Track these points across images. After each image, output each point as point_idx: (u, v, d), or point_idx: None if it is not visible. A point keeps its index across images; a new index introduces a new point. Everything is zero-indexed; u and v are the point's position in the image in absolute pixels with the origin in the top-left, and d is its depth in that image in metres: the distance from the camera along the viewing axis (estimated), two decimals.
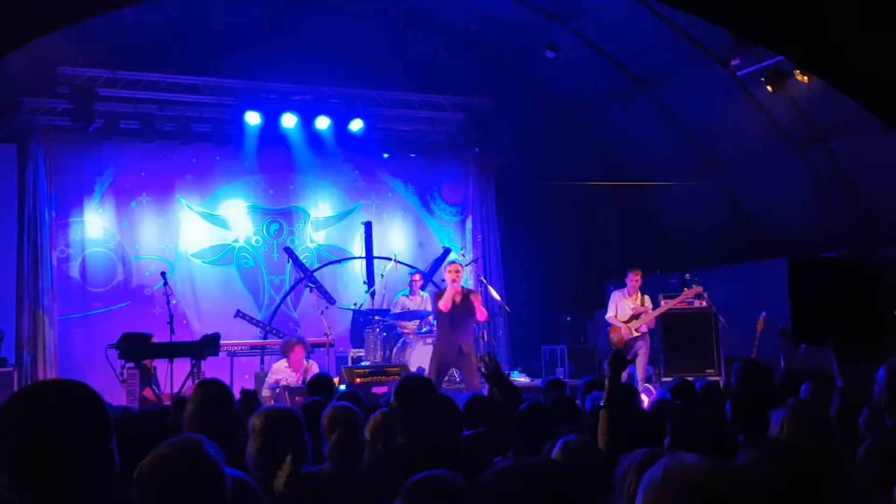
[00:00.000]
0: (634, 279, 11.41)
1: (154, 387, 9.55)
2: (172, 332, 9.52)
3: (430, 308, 11.55)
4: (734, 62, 11.61)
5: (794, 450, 3.21)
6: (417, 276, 12.90)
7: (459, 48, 13.71)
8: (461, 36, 13.59)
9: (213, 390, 4.57)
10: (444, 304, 10.00)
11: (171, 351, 9.36)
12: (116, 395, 9.15)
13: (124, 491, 2.31)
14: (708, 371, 11.56)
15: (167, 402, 8.74)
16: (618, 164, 14.88)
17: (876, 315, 11.97)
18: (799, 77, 11.05)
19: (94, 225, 12.92)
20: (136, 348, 9.06)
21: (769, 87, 11.48)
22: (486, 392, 6.31)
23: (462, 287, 10.30)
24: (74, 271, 12.72)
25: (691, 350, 11.94)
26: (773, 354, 11.05)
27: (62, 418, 2.14)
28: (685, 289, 11.51)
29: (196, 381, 9.39)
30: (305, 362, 10.02)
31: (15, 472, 2.08)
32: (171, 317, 9.55)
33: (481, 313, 10.32)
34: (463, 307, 10.11)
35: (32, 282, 12.03)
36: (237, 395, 8.37)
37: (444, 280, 10.68)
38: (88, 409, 2.21)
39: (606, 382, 4.36)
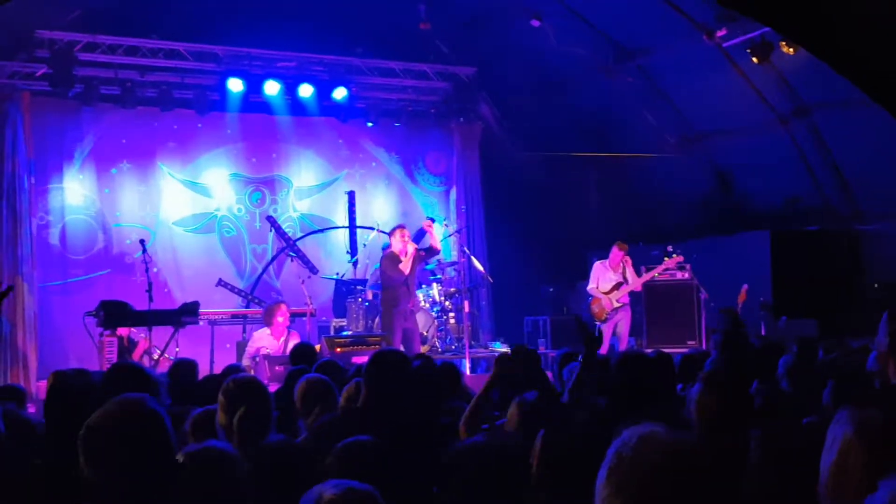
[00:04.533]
0: (617, 252, 11.41)
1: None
2: (151, 300, 9.45)
3: None
4: (720, 33, 11.52)
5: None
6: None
7: (444, 16, 13.57)
8: (446, 4, 13.44)
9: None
10: (406, 266, 10.24)
11: (150, 319, 9.30)
12: (95, 362, 9.10)
13: None
14: (689, 343, 11.61)
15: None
16: (602, 135, 14.82)
17: (857, 288, 12.03)
18: (785, 49, 10.99)
19: (74, 192, 12.78)
20: (115, 316, 9.00)
21: (755, 59, 11.41)
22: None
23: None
24: (54, 238, 12.60)
25: (673, 321, 11.99)
26: (754, 326, 11.10)
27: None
28: (666, 259, 11.55)
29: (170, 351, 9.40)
30: (287, 330, 10.00)
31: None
32: (150, 284, 9.48)
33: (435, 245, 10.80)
34: (414, 269, 10.49)
35: (11, 249, 11.91)
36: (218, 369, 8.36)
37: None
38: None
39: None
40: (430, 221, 10.94)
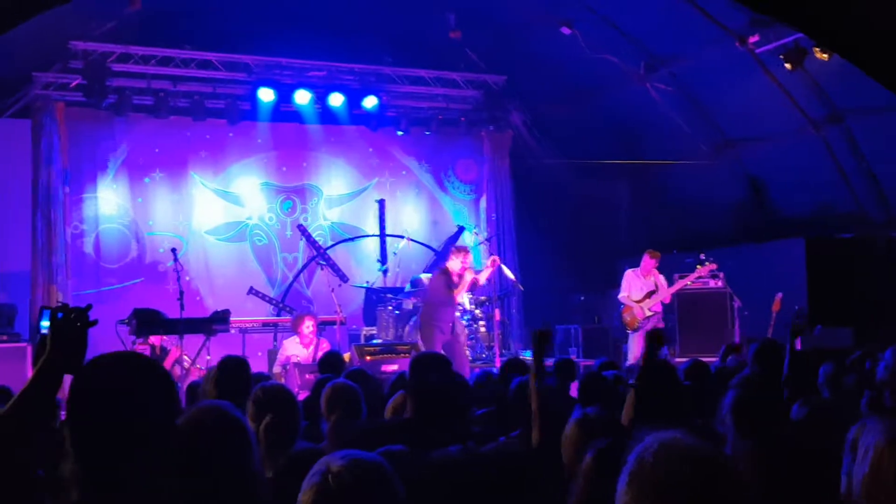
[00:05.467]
0: (649, 260, 11.32)
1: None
2: (182, 308, 9.50)
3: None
4: (752, 39, 11.42)
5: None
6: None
7: (474, 25, 13.56)
8: (476, 12, 13.43)
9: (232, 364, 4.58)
10: (460, 293, 10.27)
11: (181, 327, 9.34)
12: None
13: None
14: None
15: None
16: (633, 142, 14.73)
17: (893, 295, 11.85)
18: (818, 55, 10.87)
19: (108, 201, 12.92)
20: (147, 324, 9.06)
21: (788, 65, 11.29)
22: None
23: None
24: (88, 247, 12.75)
25: (706, 330, 11.88)
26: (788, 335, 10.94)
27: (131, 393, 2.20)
28: (698, 267, 11.44)
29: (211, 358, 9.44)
30: (316, 338, 10.03)
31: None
32: (182, 293, 9.51)
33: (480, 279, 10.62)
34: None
35: (46, 257, 12.06)
36: None
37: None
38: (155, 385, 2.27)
39: (641, 360, 4.28)
40: (497, 258, 10.89)
